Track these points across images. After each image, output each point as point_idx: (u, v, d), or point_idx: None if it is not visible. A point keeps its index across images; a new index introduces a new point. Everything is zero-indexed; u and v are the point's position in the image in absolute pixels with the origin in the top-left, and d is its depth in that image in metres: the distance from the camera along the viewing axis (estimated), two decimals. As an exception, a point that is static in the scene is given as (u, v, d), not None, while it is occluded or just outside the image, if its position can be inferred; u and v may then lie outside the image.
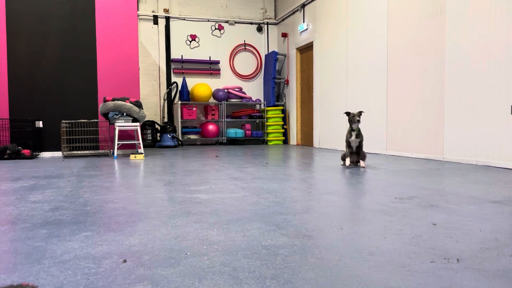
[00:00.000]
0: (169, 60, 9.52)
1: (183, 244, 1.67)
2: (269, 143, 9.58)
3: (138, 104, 6.27)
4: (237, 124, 10.10)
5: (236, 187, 3.13)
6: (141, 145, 6.37)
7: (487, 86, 4.43)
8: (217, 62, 9.81)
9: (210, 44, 9.87)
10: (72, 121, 6.66)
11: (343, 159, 4.64)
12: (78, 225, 2.02)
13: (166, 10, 9.44)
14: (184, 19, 9.65)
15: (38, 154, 6.64)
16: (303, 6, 8.70)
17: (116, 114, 6.12)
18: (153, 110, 9.48)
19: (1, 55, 6.44)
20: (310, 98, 8.67)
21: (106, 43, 6.90)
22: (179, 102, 9.18)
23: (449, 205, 2.40)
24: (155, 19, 9.40)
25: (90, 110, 6.89)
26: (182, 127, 9.34)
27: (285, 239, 1.73)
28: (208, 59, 9.83)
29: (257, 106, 10.19)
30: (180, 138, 9.16)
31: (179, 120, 9.19)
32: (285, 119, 9.74)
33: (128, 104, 6.13)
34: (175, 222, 2.04)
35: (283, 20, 9.90)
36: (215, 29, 9.90)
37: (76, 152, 6.69)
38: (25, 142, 6.54)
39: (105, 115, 6.24)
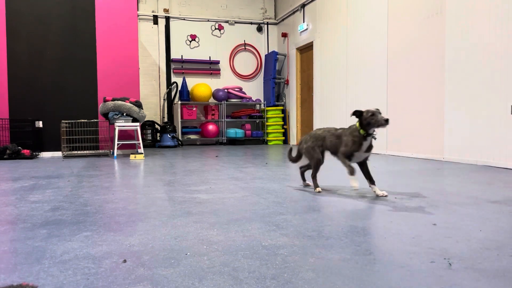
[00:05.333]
0: (169, 60, 9.51)
1: (183, 244, 1.67)
2: (269, 143, 9.57)
3: (138, 104, 6.27)
4: (237, 124, 10.09)
5: (236, 187, 3.13)
6: (141, 145, 6.37)
7: (487, 86, 4.43)
8: (217, 62, 9.81)
9: (210, 44, 9.87)
10: (72, 121, 6.65)
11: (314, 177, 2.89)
12: (78, 225, 2.02)
13: (166, 10, 9.44)
14: (184, 19, 9.64)
15: (38, 154, 6.64)
16: (303, 6, 8.70)
17: (116, 114, 6.12)
18: (153, 110, 9.47)
19: (1, 55, 6.43)
20: (310, 98, 8.67)
21: (106, 43, 6.90)
22: (179, 102, 9.18)
23: (449, 205, 2.40)
24: (155, 19, 9.39)
25: (90, 110, 6.88)
26: (182, 127, 9.33)
27: (285, 239, 1.72)
28: (208, 59, 9.83)
29: (257, 106, 10.18)
30: (180, 138, 9.15)
31: (179, 120, 9.19)
32: (285, 119, 9.74)
33: (128, 104, 6.13)
34: (175, 222, 2.04)
35: (283, 20, 9.89)
36: (215, 29, 9.89)
37: (76, 152, 6.69)
38: (25, 142, 6.54)
39: (105, 115, 6.24)
